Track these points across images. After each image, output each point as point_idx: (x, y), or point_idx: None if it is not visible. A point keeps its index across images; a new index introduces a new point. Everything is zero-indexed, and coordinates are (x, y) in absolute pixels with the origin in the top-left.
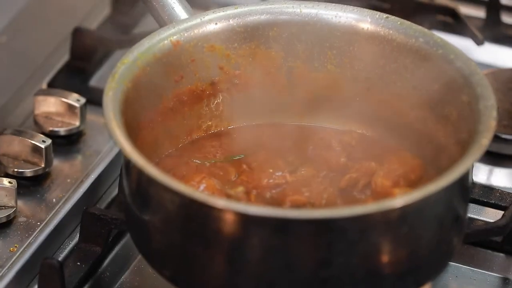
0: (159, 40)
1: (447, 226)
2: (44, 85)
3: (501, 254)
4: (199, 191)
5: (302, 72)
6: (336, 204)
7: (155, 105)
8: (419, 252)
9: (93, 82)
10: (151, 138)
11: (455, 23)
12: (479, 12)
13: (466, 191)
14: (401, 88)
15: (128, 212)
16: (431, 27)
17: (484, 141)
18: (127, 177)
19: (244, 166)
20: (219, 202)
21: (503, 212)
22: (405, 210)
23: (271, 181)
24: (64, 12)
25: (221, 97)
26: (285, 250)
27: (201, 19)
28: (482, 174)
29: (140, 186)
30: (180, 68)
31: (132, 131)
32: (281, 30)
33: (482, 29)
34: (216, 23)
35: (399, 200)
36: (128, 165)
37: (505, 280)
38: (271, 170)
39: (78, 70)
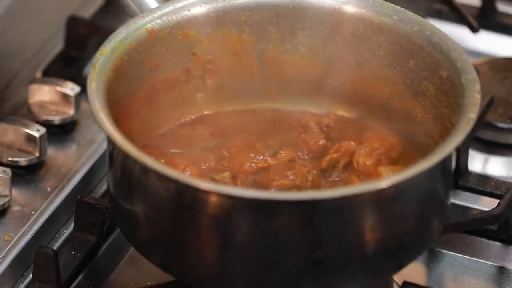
0: (134, 29)
1: (430, 206)
2: (38, 74)
3: (497, 243)
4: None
5: (273, 55)
6: (320, 185)
7: (132, 94)
8: (400, 233)
9: (88, 71)
10: (129, 127)
11: (450, 11)
12: (474, 0)
13: (450, 171)
14: (375, 67)
15: (113, 201)
16: (427, 15)
17: (471, 115)
18: (114, 167)
19: (224, 152)
20: (207, 185)
21: (498, 200)
22: (397, 189)
23: (252, 165)
24: (58, 1)
25: (194, 83)
26: (273, 232)
27: (174, 6)
28: (478, 163)
29: (129, 175)
30: (155, 56)
31: (114, 121)
32: (253, 14)
33: (478, 17)
34: (189, 10)
35: (394, 178)
36: (114, 155)
37: (500, 268)
38: (251, 155)
39: (73, 59)
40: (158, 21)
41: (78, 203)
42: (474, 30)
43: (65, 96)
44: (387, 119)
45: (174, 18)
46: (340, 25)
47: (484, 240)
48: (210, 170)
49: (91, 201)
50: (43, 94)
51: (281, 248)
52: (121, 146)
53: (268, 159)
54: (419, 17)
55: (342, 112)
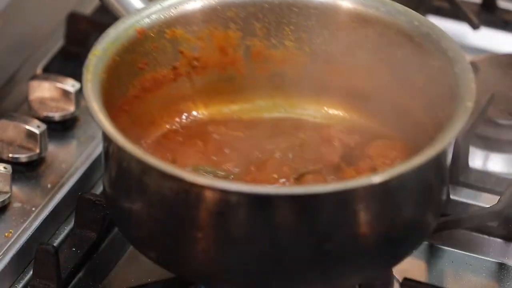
0: (124, 29)
1: (427, 200)
2: (39, 70)
3: (497, 239)
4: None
5: (259, 50)
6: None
7: (123, 95)
8: (396, 227)
9: None
10: (121, 127)
11: (450, 8)
12: None
13: (447, 163)
14: (362, 59)
15: (111, 200)
16: (427, 11)
17: (468, 104)
18: (111, 166)
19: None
20: (206, 180)
21: (499, 197)
22: (395, 181)
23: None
24: None
25: (181, 81)
26: (271, 227)
27: (161, 4)
28: (478, 160)
29: (128, 175)
30: (144, 55)
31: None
32: (238, 10)
33: (478, 14)
34: (175, 8)
35: (389, 172)
36: (111, 154)
37: (501, 265)
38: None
39: (73, 55)
40: (146, 20)
41: (79, 200)
42: (474, 26)
43: (65, 93)
44: (377, 112)
45: (161, 16)
46: (327, 18)
47: (485, 236)
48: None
49: (92, 198)
50: (43, 90)
51: (280, 243)
52: (122, 145)
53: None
54: (406, 8)
55: (331, 106)
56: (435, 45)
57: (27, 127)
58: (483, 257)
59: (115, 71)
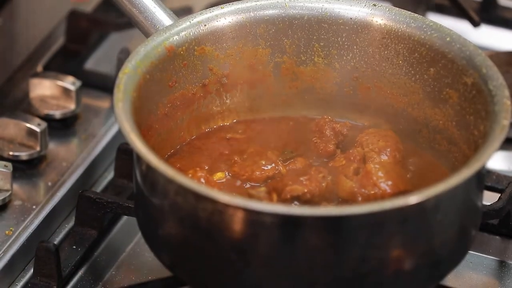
0: (153, 47)
1: (467, 215)
2: (39, 68)
3: (498, 237)
4: (204, 185)
5: (289, 67)
6: (334, 192)
7: (153, 113)
8: (438, 245)
9: (89, 65)
10: (150, 146)
11: (451, 6)
12: None
13: (483, 177)
14: (393, 75)
15: (139, 206)
16: (428, 9)
17: (504, 122)
18: (146, 188)
19: (236, 158)
20: (223, 197)
21: (499, 195)
22: (430, 203)
23: (262, 172)
24: None
25: (210, 98)
26: (302, 248)
27: (190, 21)
28: None
29: (164, 197)
30: (174, 73)
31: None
32: (268, 27)
33: (479, 11)
34: (205, 25)
35: (434, 190)
36: (144, 174)
37: (501, 263)
38: (262, 162)
39: (74, 53)
40: (176, 37)
41: (79, 198)
42: (475, 24)
43: (66, 91)
44: (406, 128)
45: (190, 33)
46: (356, 34)
47: (485, 234)
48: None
49: (92, 196)
50: (44, 88)
51: (312, 264)
52: (156, 167)
53: (280, 166)
54: (437, 23)
55: (360, 121)
56: (468, 61)
57: (28, 125)
58: (483, 255)
59: (145, 89)
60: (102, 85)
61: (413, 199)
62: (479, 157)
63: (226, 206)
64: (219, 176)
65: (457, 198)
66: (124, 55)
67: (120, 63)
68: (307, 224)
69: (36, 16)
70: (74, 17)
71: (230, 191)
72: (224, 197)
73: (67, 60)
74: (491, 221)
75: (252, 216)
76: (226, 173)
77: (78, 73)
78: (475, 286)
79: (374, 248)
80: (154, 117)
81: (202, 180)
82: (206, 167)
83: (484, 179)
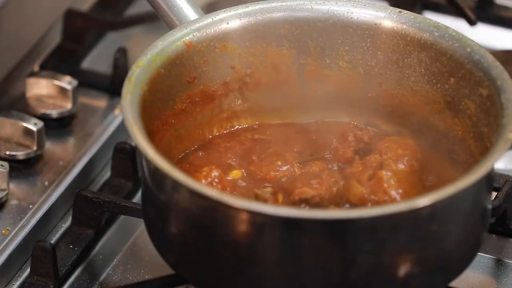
0: (172, 41)
1: (475, 220)
2: (36, 67)
3: (494, 236)
4: (207, 185)
5: (313, 69)
6: (345, 196)
7: (168, 107)
8: (449, 249)
9: (85, 64)
10: (165, 140)
11: (448, 4)
12: None
13: (491, 183)
14: (415, 83)
15: (146, 206)
16: (424, 8)
17: (509, 135)
18: (149, 176)
19: (254, 158)
20: (238, 202)
21: (496, 193)
22: (433, 208)
23: (277, 173)
24: None
25: (232, 97)
26: (307, 251)
27: (212, 18)
28: None
29: (160, 185)
30: (193, 69)
31: (148, 134)
32: (292, 28)
33: (475, 10)
34: (227, 23)
35: (425, 199)
36: (146, 168)
37: (498, 261)
38: (279, 163)
39: (70, 52)
40: (196, 33)
41: (76, 197)
42: (471, 23)
43: (62, 90)
44: (427, 136)
45: (212, 31)
46: (381, 40)
47: None
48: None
49: (89, 195)
50: (40, 87)
51: (315, 267)
52: (152, 160)
53: (295, 168)
54: (460, 33)
55: (379, 127)
56: (485, 73)
57: (24, 124)
58: (480, 253)
59: (159, 83)
60: (99, 84)
61: (420, 202)
62: (478, 168)
63: (226, 206)
64: (235, 174)
65: (458, 205)
66: (121, 54)
67: (116, 62)
68: (305, 227)
69: (33, 15)
70: (70, 16)
71: (241, 191)
72: (222, 198)
73: (63, 60)
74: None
75: (250, 217)
76: (243, 171)
77: (74, 72)
78: (471, 285)
79: (372, 253)
80: (171, 112)
81: (216, 179)
82: (222, 166)
83: (491, 185)
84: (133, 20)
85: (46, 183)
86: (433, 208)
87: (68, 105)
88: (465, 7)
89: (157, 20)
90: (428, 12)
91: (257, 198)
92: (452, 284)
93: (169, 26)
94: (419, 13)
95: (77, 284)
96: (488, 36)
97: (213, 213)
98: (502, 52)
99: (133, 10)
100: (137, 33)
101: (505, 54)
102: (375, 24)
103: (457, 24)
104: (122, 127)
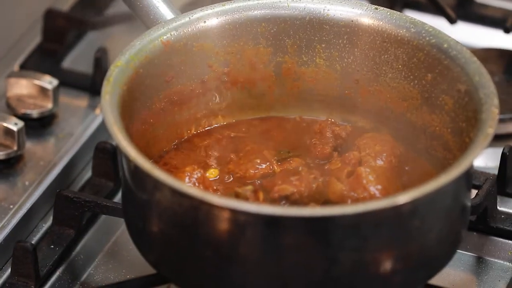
0: (149, 41)
1: (455, 216)
2: (16, 67)
3: (475, 233)
4: (189, 185)
5: (290, 67)
6: (324, 193)
7: (147, 107)
8: (428, 246)
9: (66, 64)
10: (144, 140)
11: (428, 2)
12: None
13: (471, 179)
14: (392, 79)
15: (126, 205)
16: (404, 6)
17: (489, 130)
18: (126, 181)
19: (232, 156)
20: (219, 200)
21: (476, 191)
22: (414, 205)
23: (256, 171)
24: None
25: (210, 95)
26: (288, 248)
27: (189, 17)
28: None
29: (141, 185)
30: (171, 68)
31: (128, 133)
32: (269, 26)
33: (455, 8)
34: (205, 21)
35: (406, 195)
36: (126, 168)
37: (479, 259)
38: (257, 160)
39: (51, 52)
40: (173, 32)
41: (57, 197)
42: (451, 21)
43: (43, 90)
44: (405, 133)
45: (189, 29)
46: (358, 37)
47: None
48: (219, 176)
49: (70, 195)
50: (21, 87)
51: (298, 265)
52: (134, 160)
53: (274, 165)
54: (436, 29)
55: (360, 124)
56: (462, 68)
57: (5, 124)
58: (461, 251)
59: (138, 83)
60: (80, 84)
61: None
62: (459, 164)
63: (208, 205)
64: (212, 173)
65: (436, 203)
66: (101, 54)
67: (97, 62)
68: (288, 225)
69: (13, 15)
70: (50, 16)
71: (221, 189)
72: (204, 196)
73: (44, 59)
74: (469, 218)
75: (233, 215)
76: (220, 169)
77: (55, 72)
78: (452, 282)
79: (354, 250)
80: (149, 111)
81: (195, 177)
82: (202, 165)
83: (471, 181)
84: (114, 20)
85: (27, 183)
86: (414, 204)
87: (49, 105)
88: (445, 5)
89: (138, 19)
90: (408, 11)
91: (238, 196)
92: (434, 282)
93: (146, 25)
94: (400, 11)
95: (58, 284)
96: (468, 34)
97: (195, 212)
98: (482, 50)
99: (113, 10)
100: (118, 32)
101: (485, 52)
102: (352, 21)
103: (437, 23)
104: (103, 126)
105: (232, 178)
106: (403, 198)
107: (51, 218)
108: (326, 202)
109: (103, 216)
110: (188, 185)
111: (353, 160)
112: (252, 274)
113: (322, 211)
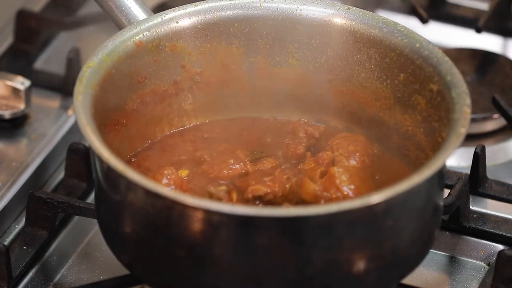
0: (122, 41)
1: (428, 216)
2: None
3: (448, 233)
4: (165, 185)
5: (263, 67)
6: (298, 193)
7: (120, 108)
8: (401, 245)
9: (38, 64)
10: (117, 141)
11: (400, 2)
12: None
13: (443, 179)
14: (365, 79)
15: (99, 206)
16: (377, 6)
17: (461, 130)
18: (99, 182)
19: (205, 157)
20: (192, 200)
21: (449, 190)
22: (387, 205)
23: (230, 171)
24: None
25: (183, 96)
26: (260, 249)
27: (162, 17)
28: None
29: (116, 191)
30: (144, 68)
31: (101, 134)
32: (242, 26)
33: (427, 8)
34: (177, 22)
35: (379, 195)
36: (99, 169)
37: (451, 258)
38: (231, 161)
39: (23, 52)
40: (146, 33)
41: (30, 198)
42: (423, 21)
43: (15, 90)
44: (378, 132)
45: (162, 30)
46: (330, 37)
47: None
48: (192, 175)
49: (43, 196)
50: None
51: (272, 265)
52: (107, 161)
53: (248, 165)
54: (409, 29)
55: (330, 123)
56: (435, 68)
57: None
58: (433, 251)
59: (111, 83)
60: (52, 84)
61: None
62: (431, 164)
63: (181, 205)
64: (184, 173)
65: (409, 203)
66: (74, 54)
67: (69, 62)
68: (262, 225)
69: None
70: (22, 16)
71: (194, 189)
72: (178, 197)
73: (16, 60)
74: (442, 217)
75: (206, 216)
76: (192, 170)
77: (27, 72)
78: (425, 282)
79: (327, 250)
80: (122, 112)
81: (167, 178)
82: (172, 165)
83: (443, 181)
84: (86, 20)
85: None
86: (387, 204)
87: (21, 106)
88: (417, 5)
89: (110, 19)
90: (381, 10)
91: (211, 196)
92: (407, 281)
93: (118, 26)
94: (372, 11)
95: (31, 285)
96: (440, 34)
97: (168, 212)
98: (454, 50)
99: (85, 10)
100: (90, 33)
101: (457, 52)
102: (324, 21)
103: (410, 22)
104: (75, 127)
105: (205, 179)
106: (376, 198)
107: (23, 219)
108: (299, 202)
109: (76, 217)
110: (161, 186)
111: (326, 160)
112: (225, 274)
113: (296, 212)
